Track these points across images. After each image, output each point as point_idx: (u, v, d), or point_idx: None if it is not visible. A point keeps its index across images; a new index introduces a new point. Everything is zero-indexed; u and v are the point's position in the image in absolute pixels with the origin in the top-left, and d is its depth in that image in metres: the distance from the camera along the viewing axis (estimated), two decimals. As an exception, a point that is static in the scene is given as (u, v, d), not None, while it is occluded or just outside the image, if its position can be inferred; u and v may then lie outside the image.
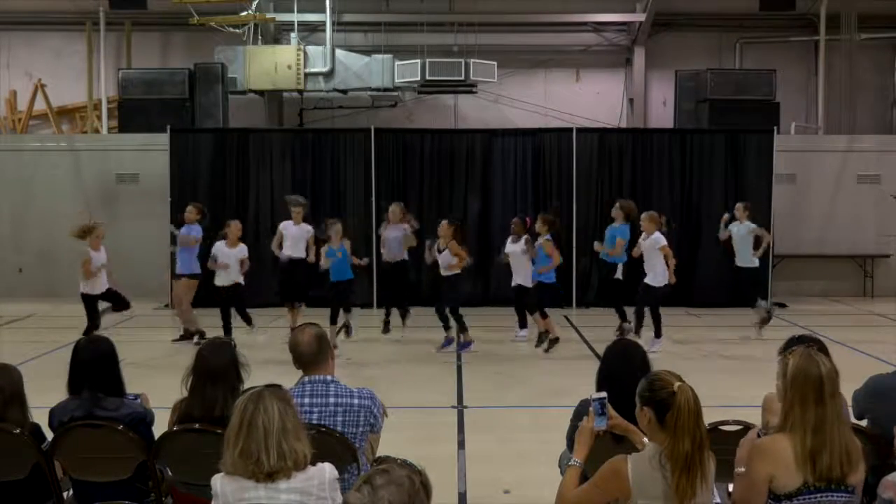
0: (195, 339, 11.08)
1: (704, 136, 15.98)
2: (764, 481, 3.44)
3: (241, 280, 11.29)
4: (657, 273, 10.94)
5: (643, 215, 11.20)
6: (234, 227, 11.34)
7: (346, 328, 11.28)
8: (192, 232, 11.50)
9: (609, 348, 4.40)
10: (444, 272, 10.84)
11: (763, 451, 3.49)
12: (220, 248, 11.23)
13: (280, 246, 11.73)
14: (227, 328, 11.02)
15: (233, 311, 11.40)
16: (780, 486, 3.42)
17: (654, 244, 10.95)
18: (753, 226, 12.28)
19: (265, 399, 3.28)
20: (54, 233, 16.19)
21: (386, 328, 11.86)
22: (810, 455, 3.39)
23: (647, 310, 11.16)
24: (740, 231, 12.23)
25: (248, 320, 11.46)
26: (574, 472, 3.60)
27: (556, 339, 11.08)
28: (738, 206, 12.45)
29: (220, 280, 11.21)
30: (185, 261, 11.51)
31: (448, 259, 10.76)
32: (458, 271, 10.84)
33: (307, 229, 11.68)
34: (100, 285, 10.67)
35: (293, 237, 11.64)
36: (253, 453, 3.21)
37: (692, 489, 3.24)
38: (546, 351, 11.01)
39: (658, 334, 11.03)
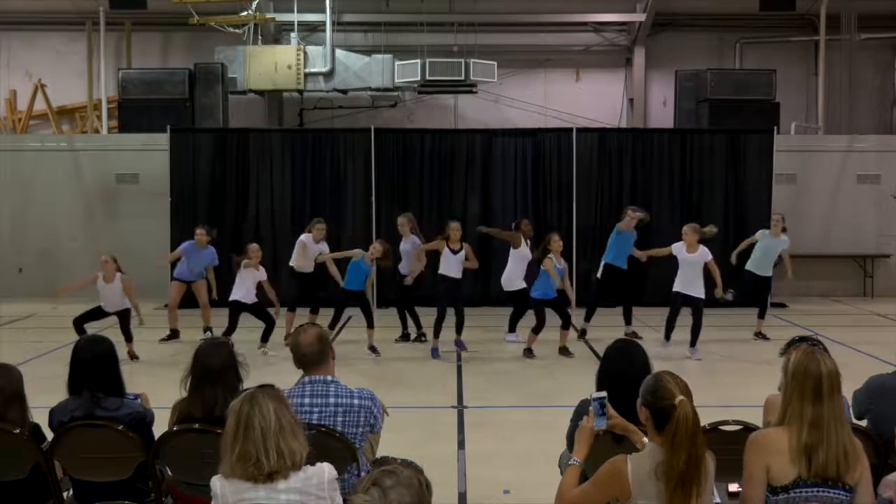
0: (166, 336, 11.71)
1: (704, 136, 15.97)
2: (761, 473, 3.47)
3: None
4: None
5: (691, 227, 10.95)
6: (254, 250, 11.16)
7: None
8: (208, 255, 11.80)
9: (609, 348, 4.39)
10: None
11: (758, 443, 3.53)
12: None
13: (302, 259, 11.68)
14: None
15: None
16: (777, 478, 3.45)
17: (704, 256, 10.76)
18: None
19: (259, 400, 3.27)
20: (54, 233, 16.26)
21: (404, 338, 11.92)
22: (805, 450, 3.43)
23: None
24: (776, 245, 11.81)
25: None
26: (574, 472, 3.60)
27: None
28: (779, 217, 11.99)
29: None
30: (186, 269, 11.88)
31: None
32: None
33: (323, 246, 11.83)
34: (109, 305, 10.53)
35: (313, 252, 11.70)
36: (252, 455, 3.20)
37: (688, 500, 3.25)
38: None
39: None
